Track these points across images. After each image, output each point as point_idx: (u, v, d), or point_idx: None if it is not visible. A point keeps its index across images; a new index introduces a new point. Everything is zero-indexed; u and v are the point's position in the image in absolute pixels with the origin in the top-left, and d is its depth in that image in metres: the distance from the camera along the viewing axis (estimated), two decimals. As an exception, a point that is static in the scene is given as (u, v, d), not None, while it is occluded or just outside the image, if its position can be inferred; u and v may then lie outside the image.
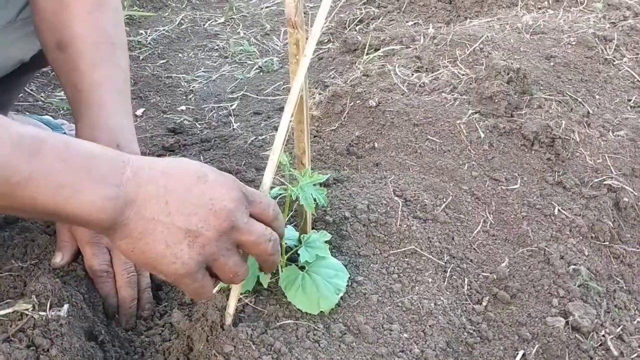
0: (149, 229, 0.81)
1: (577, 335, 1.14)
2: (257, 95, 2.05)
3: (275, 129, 1.72)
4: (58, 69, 1.19)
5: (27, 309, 0.96)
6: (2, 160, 0.73)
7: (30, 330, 0.93)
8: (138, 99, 2.03)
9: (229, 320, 1.00)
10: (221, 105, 1.99)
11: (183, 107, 2.00)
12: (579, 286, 1.22)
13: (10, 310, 0.95)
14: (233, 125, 1.85)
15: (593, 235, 1.35)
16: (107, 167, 0.80)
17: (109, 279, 1.10)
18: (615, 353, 1.13)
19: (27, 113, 1.75)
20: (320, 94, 1.74)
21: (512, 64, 1.63)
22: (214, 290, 0.98)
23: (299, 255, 1.09)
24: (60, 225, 1.13)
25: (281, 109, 1.91)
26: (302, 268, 1.08)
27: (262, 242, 0.88)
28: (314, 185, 1.05)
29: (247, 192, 0.88)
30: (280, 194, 1.08)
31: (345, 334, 1.03)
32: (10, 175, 0.74)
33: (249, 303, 1.06)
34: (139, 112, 1.96)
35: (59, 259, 1.11)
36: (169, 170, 0.83)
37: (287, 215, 1.08)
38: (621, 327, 1.19)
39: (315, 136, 1.56)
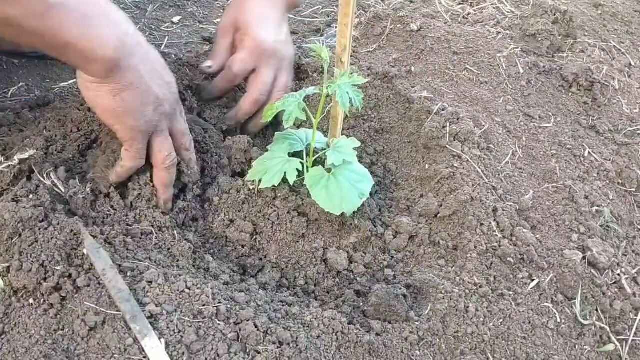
0: (136, 83, 0.93)
1: (592, 270, 1.13)
2: (294, 15, 2.02)
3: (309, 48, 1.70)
4: None
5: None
6: None
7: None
8: (175, 7, 2.01)
9: None
10: (258, 21, 1.97)
11: (219, 20, 1.97)
12: (600, 226, 1.22)
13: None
14: (268, 41, 1.83)
15: (620, 181, 1.33)
16: (120, 16, 0.92)
17: None
18: (629, 291, 1.12)
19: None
20: (359, 16, 1.71)
21: (559, 5, 1.60)
22: None
23: (326, 158, 1.09)
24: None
25: (317, 31, 1.88)
26: (328, 171, 1.09)
27: (186, 134, 1.06)
28: (353, 86, 1.03)
29: None
30: (315, 93, 1.07)
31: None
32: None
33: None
34: (176, 19, 1.94)
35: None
36: (149, 48, 0.99)
37: (319, 118, 1.07)
38: (637, 269, 1.18)
39: (351, 56, 1.54)
